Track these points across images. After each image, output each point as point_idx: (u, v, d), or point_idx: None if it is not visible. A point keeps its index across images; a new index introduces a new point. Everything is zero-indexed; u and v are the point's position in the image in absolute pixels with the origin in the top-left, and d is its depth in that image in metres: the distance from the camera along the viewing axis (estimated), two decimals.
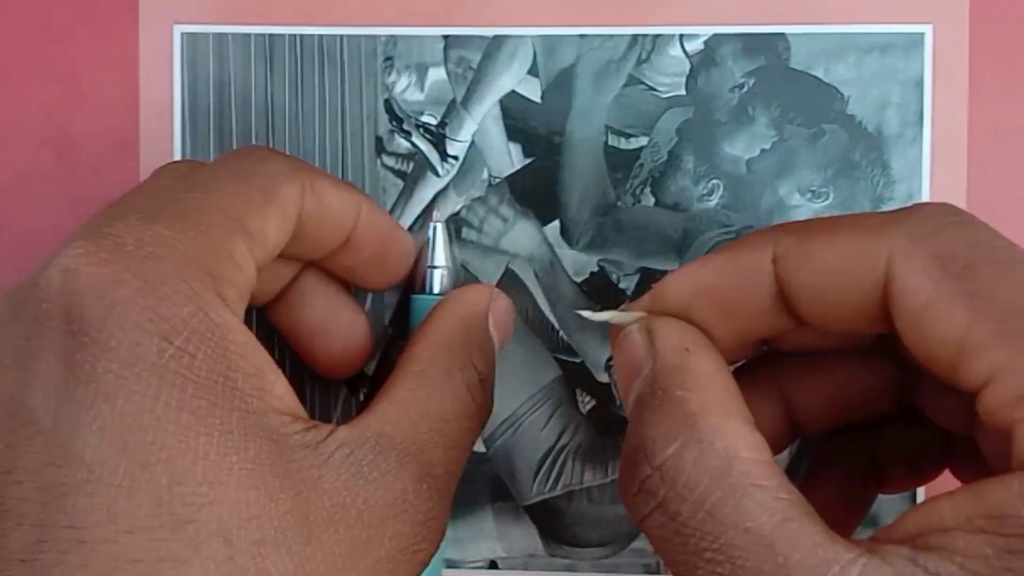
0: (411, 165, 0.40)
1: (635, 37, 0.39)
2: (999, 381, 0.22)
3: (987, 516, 0.21)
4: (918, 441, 0.32)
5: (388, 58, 0.39)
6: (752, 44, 0.39)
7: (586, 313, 0.30)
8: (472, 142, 0.40)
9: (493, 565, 0.39)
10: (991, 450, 0.26)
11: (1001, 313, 0.22)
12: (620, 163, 0.39)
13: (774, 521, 0.22)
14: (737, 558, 0.21)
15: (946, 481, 0.31)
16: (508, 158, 0.39)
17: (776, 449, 0.31)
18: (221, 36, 0.40)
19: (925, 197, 0.39)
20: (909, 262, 0.23)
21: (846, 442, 0.33)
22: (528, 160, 0.39)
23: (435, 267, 0.36)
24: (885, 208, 0.39)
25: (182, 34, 0.40)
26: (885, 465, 0.32)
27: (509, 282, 0.40)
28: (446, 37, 0.39)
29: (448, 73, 0.39)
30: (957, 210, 0.25)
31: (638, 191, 0.39)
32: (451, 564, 0.39)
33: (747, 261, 0.26)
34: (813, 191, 0.39)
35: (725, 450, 0.23)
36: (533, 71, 0.39)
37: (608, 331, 0.33)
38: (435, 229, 0.37)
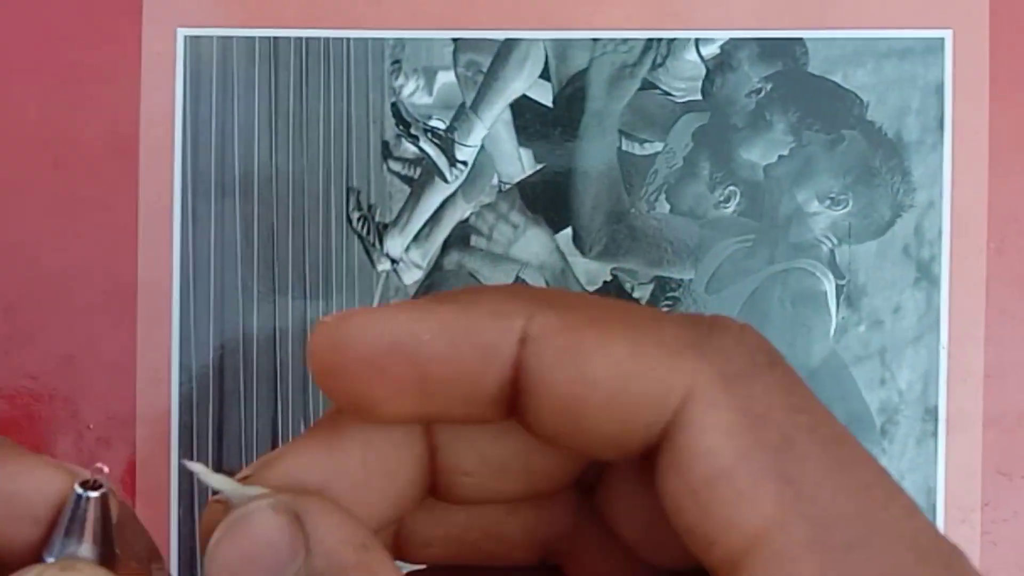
0: (419, 170, 0.39)
1: (650, 41, 0.38)
2: None
3: None
4: None
5: (396, 61, 0.39)
6: (769, 49, 0.38)
7: (196, 468, 0.19)
8: (482, 147, 0.38)
9: None
10: None
11: (820, 515, 0.16)
12: (634, 169, 0.38)
13: None
14: None
15: None
16: (519, 163, 0.38)
17: None
18: (225, 39, 0.39)
19: (946, 203, 0.38)
20: (712, 410, 0.17)
21: None
22: (539, 166, 0.38)
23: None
24: (905, 216, 0.38)
25: (185, 37, 0.39)
26: None
27: None
28: (456, 40, 0.38)
29: (457, 76, 0.38)
30: (769, 346, 0.18)
31: (653, 198, 0.38)
32: None
33: (483, 331, 0.18)
34: (832, 198, 0.38)
35: None
36: (545, 75, 0.38)
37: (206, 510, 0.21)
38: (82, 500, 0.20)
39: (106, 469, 0.20)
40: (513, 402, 0.18)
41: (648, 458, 0.18)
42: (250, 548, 0.18)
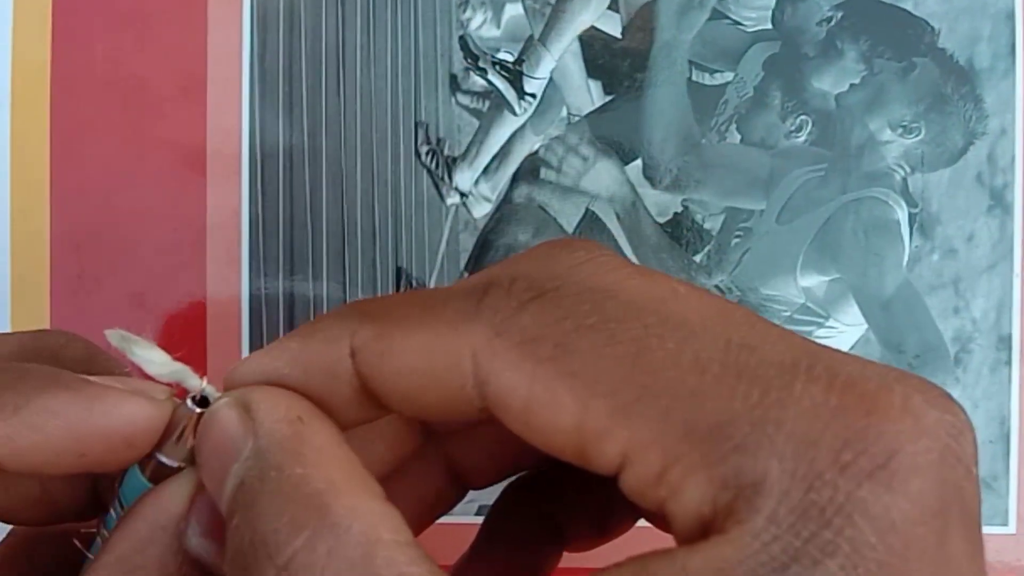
0: (487, 104, 0.39)
1: None
2: (632, 463, 0.19)
3: None
4: (600, 493, 0.27)
5: None
6: None
7: (113, 335, 0.23)
8: (550, 79, 0.38)
9: None
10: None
11: (608, 387, 0.19)
12: (704, 100, 0.38)
13: None
14: None
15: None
16: (588, 95, 0.38)
17: (439, 510, 0.27)
18: None
19: (1018, 130, 0.38)
20: (496, 358, 0.20)
21: (521, 496, 0.28)
22: (609, 98, 0.38)
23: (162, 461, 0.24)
24: (978, 144, 0.38)
25: None
26: (565, 521, 0.28)
27: (590, 223, 0.38)
28: None
29: (525, 8, 0.38)
30: (537, 282, 0.21)
31: (723, 128, 0.38)
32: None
33: (322, 356, 0.21)
34: (904, 126, 0.38)
35: (365, 535, 0.19)
36: (613, 6, 0.38)
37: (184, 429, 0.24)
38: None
39: (208, 385, 0.22)
40: (372, 396, 0.22)
41: None
42: (216, 440, 0.21)
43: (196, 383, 0.22)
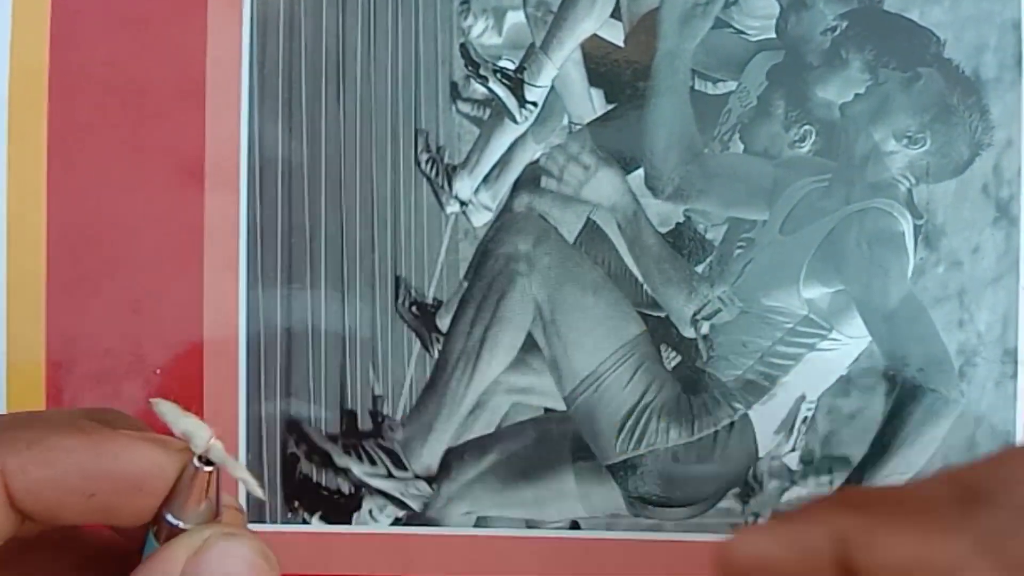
0: (488, 111, 0.38)
1: None
2: None
3: None
4: None
5: (464, 1, 0.38)
6: None
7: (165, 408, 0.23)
8: (552, 87, 0.38)
9: (575, 525, 0.37)
10: None
11: None
12: (707, 109, 0.38)
13: None
14: None
15: None
16: (589, 104, 0.38)
17: None
18: None
19: None
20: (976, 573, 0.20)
21: None
22: (611, 106, 0.38)
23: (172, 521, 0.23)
24: (984, 155, 0.37)
25: None
26: None
27: (591, 233, 0.38)
28: None
29: (527, 16, 0.38)
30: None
31: (726, 137, 0.38)
32: (531, 524, 0.37)
33: (807, 540, 0.22)
34: (909, 137, 0.37)
35: None
36: (616, 14, 0.38)
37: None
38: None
39: (216, 442, 0.23)
40: None
41: None
42: None
43: (202, 441, 0.22)
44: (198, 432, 0.22)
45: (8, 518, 0.22)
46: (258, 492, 0.23)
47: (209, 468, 0.22)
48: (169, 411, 0.23)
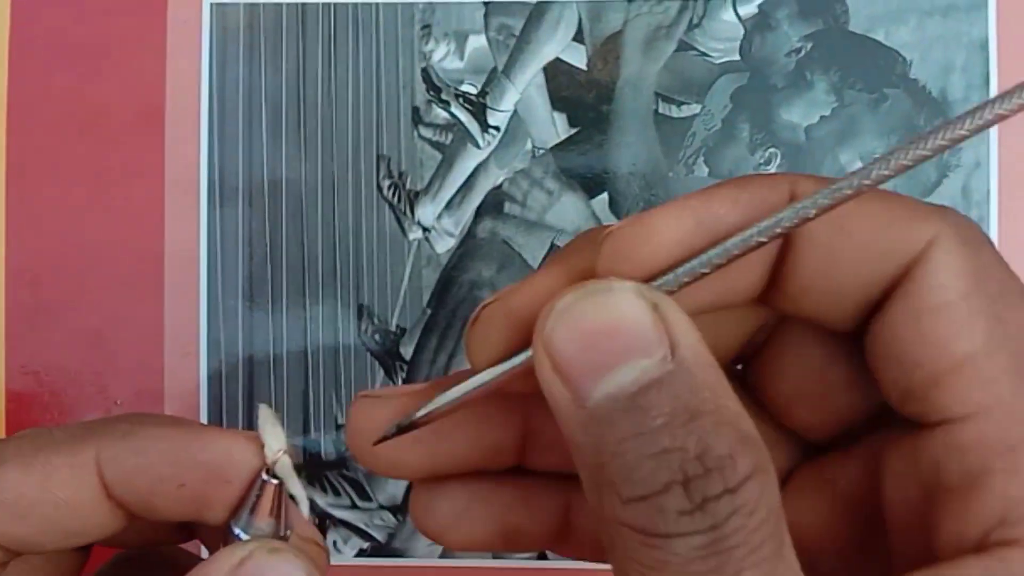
0: (450, 136, 0.38)
1: (686, 1, 0.37)
2: (991, 420, 0.19)
3: None
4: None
5: (426, 26, 0.38)
6: (808, 7, 0.37)
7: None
8: (514, 112, 0.38)
9: (542, 555, 0.37)
10: (897, 488, 0.22)
11: (1022, 353, 0.19)
12: (671, 132, 0.37)
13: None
14: None
15: None
16: (553, 128, 0.37)
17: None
18: (252, 6, 0.38)
19: (993, 163, 0.37)
20: (948, 255, 0.20)
21: None
22: (574, 130, 0.37)
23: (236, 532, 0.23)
24: (952, 177, 0.37)
25: (212, 4, 0.38)
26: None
27: None
28: (487, 3, 0.38)
29: (489, 40, 0.38)
30: (990, 240, 0.22)
31: (691, 161, 0.37)
32: (498, 555, 0.37)
33: (763, 201, 0.20)
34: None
35: (778, 493, 0.19)
36: (579, 37, 0.37)
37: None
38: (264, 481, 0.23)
39: (284, 456, 0.23)
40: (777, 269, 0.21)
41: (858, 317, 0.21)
42: (613, 321, 0.19)
43: (271, 452, 0.22)
44: (272, 443, 0.23)
45: (105, 508, 0.23)
46: (304, 510, 0.23)
47: (275, 481, 0.22)
48: (262, 416, 0.23)
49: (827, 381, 0.23)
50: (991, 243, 0.21)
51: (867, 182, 0.19)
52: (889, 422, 0.22)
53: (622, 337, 0.18)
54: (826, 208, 0.19)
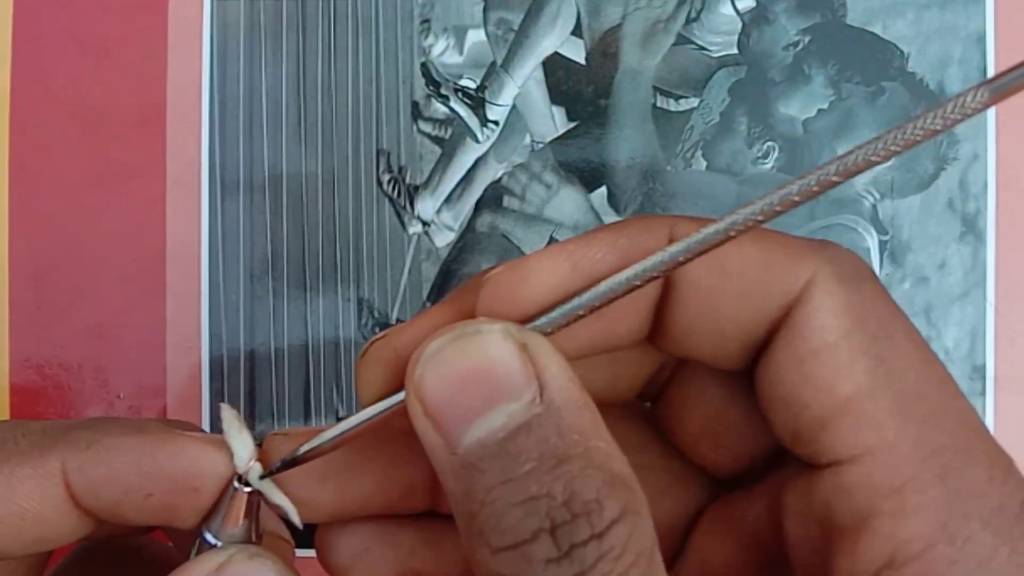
0: (449, 131, 0.38)
1: None
2: (877, 462, 0.19)
3: None
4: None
5: (425, 20, 0.38)
6: (806, 0, 0.37)
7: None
8: (513, 106, 0.38)
9: None
10: (797, 527, 0.21)
11: (904, 392, 0.19)
12: (669, 126, 0.37)
13: None
14: None
15: None
16: (551, 122, 0.38)
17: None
18: (252, 2, 0.38)
19: (991, 156, 0.37)
20: (828, 296, 0.20)
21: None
22: (572, 124, 0.38)
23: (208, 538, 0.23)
24: (949, 169, 0.37)
25: (212, 1, 0.38)
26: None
27: None
28: None
29: (488, 35, 0.38)
30: (872, 270, 0.22)
31: (689, 155, 0.37)
32: None
33: (639, 245, 0.20)
34: None
35: (652, 533, 0.19)
36: (577, 32, 0.38)
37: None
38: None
39: (255, 464, 0.22)
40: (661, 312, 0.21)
41: (748, 354, 0.21)
42: (481, 364, 0.19)
43: (241, 462, 0.22)
44: (240, 451, 0.22)
45: (73, 517, 0.22)
46: (296, 521, 0.23)
47: (247, 489, 0.22)
48: (226, 420, 0.23)
49: (727, 419, 0.23)
50: (873, 277, 0.21)
51: (738, 227, 0.19)
52: (788, 460, 0.22)
53: (490, 380, 0.18)
54: (698, 252, 0.19)
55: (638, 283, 0.19)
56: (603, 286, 0.19)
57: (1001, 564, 0.18)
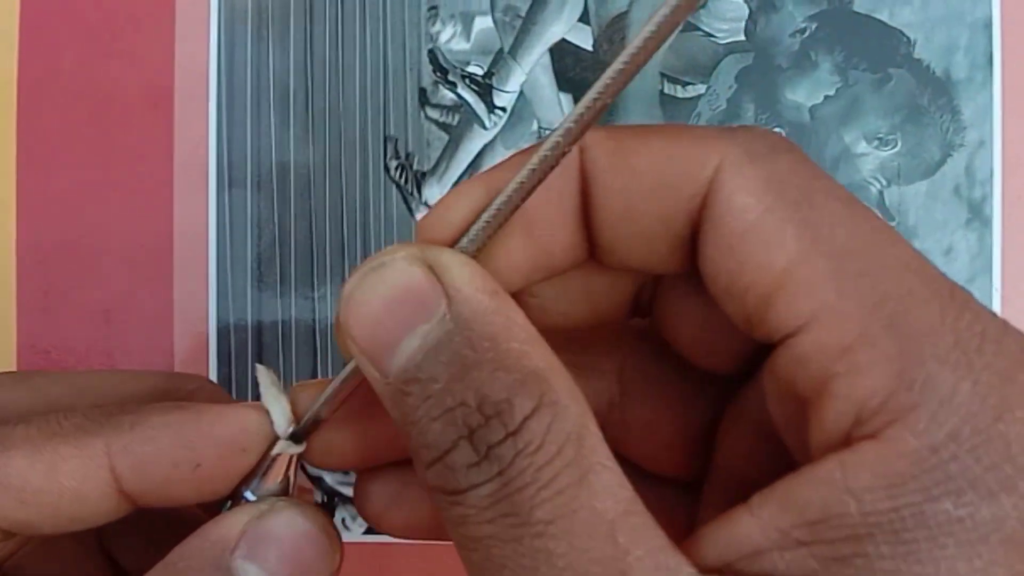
0: (457, 117, 0.38)
1: None
2: (823, 326, 0.18)
3: (806, 524, 0.18)
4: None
5: (432, 7, 0.38)
6: None
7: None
8: (521, 93, 0.38)
9: None
10: (778, 408, 0.21)
11: (836, 251, 0.19)
12: (677, 112, 0.37)
13: (618, 509, 0.18)
14: (575, 538, 0.18)
15: None
16: (559, 109, 0.38)
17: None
18: None
19: (997, 142, 0.37)
20: (740, 176, 0.19)
21: None
22: None
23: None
24: (955, 156, 0.37)
25: None
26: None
27: None
28: None
29: (495, 21, 0.38)
30: (791, 143, 0.21)
31: None
32: None
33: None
34: (880, 138, 0.37)
35: (578, 419, 0.19)
36: (584, 18, 0.38)
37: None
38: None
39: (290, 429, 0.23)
40: (582, 220, 0.21)
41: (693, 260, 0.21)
42: (390, 294, 0.19)
43: (279, 428, 0.23)
44: (280, 411, 0.23)
45: (113, 499, 0.22)
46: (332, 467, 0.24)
47: (290, 451, 0.23)
48: (263, 382, 0.23)
49: (711, 323, 0.23)
50: (792, 148, 0.20)
51: (612, 85, 0.19)
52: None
53: (404, 306, 0.19)
54: (575, 132, 0.19)
55: (526, 181, 0.20)
56: (508, 188, 0.20)
57: (964, 398, 0.17)
